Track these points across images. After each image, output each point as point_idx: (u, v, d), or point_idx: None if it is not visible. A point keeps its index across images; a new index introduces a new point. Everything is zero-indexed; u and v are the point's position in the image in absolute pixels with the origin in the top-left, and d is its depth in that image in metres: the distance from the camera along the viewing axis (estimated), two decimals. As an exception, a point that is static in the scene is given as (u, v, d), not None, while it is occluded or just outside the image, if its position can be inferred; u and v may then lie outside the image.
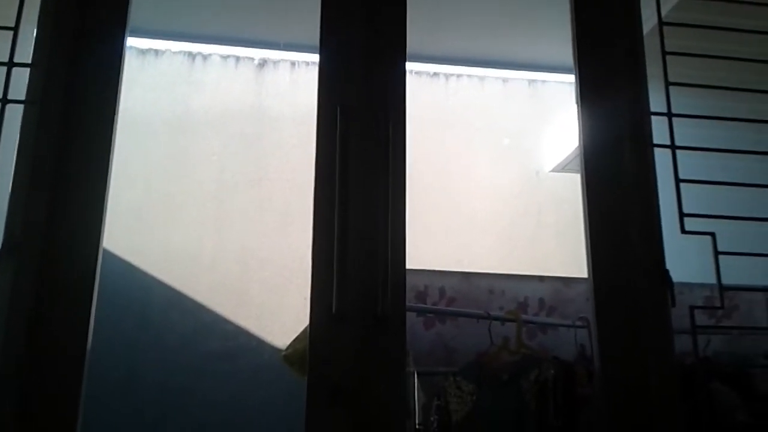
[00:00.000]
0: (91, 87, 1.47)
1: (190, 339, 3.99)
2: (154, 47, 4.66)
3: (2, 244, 1.34)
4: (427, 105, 4.66)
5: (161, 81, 4.50)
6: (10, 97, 1.44)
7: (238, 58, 4.81)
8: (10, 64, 1.44)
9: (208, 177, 4.44)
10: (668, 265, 1.61)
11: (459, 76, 4.88)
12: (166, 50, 4.73)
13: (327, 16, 1.65)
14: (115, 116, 1.46)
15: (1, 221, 1.39)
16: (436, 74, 4.82)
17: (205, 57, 4.77)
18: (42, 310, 1.34)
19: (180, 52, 4.75)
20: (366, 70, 1.61)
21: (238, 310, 4.12)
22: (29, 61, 1.47)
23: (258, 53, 4.80)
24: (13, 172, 1.38)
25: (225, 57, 4.80)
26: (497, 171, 4.67)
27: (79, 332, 1.34)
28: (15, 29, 1.45)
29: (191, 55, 4.76)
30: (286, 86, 4.77)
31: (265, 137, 4.62)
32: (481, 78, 4.93)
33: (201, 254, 4.22)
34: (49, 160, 1.40)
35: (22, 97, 1.45)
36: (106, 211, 1.41)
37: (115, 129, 1.46)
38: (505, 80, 4.94)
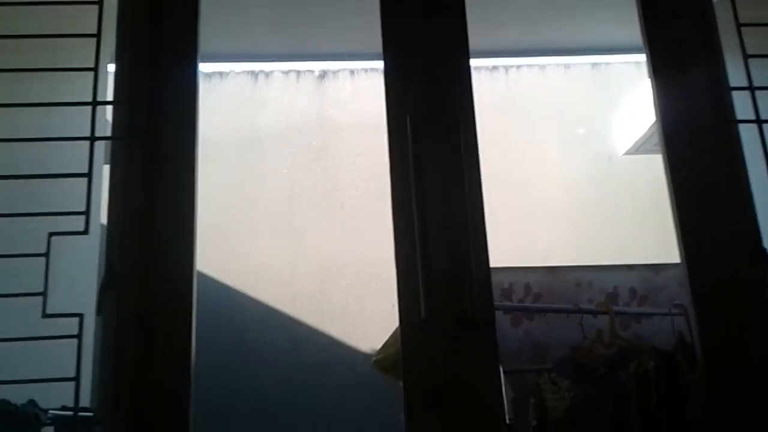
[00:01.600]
0: (171, 116, 1.53)
1: (284, 351, 4.09)
2: (219, 70, 4.82)
3: (104, 277, 1.41)
4: (490, 100, 4.62)
5: (227, 102, 4.64)
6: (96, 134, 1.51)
7: (299, 72, 4.91)
8: (94, 103, 1.52)
9: (280, 191, 4.54)
10: (765, 244, 1.55)
11: (519, 67, 4.82)
12: (230, 72, 4.88)
13: (387, 25, 1.67)
14: (196, 141, 1.52)
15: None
16: (495, 68, 4.77)
17: (267, 74, 4.89)
18: (145, 333, 1.40)
19: (243, 72, 4.89)
20: (430, 74, 1.62)
21: (321, 319, 4.20)
22: (109, 99, 1.54)
23: (318, 65, 4.89)
24: (107, 207, 1.45)
25: (286, 72, 4.91)
26: (568, 159, 4.58)
27: (182, 351, 1.40)
28: (95, 69, 1.52)
29: (254, 74, 4.89)
30: (347, 95, 4.84)
31: (331, 147, 4.69)
32: (542, 67, 4.85)
33: (279, 267, 4.32)
34: (139, 192, 1.47)
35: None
36: (197, 234, 1.47)
37: (197, 153, 1.51)
38: (567, 66, 4.84)
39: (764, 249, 1.53)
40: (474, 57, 1.64)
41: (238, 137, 4.57)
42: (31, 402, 1.44)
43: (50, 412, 1.42)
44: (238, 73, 4.87)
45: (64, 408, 1.42)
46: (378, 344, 2.44)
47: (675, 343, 1.76)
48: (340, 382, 4.01)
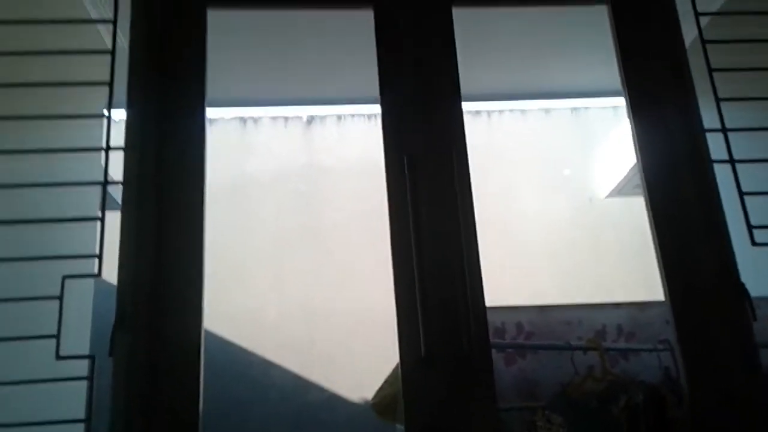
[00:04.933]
0: (181, 160, 1.59)
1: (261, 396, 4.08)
2: (209, 116, 4.90)
3: (116, 319, 1.45)
4: (473, 143, 4.72)
5: (216, 148, 4.71)
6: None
7: (287, 118, 5.01)
8: (107, 149, 1.58)
9: (267, 237, 4.58)
10: (743, 279, 1.62)
11: (501, 111, 4.96)
12: (219, 118, 4.97)
13: (383, 71, 1.75)
14: (204, 186, 1.58)
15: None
16: (478, 112, 4.91)
17: (255, 120, 4.99)
18: (155, 376, 1.44)
19: (232, 118, 4.99)
20: (426, 115, 1.70)
21: (305, 365, 4.20)
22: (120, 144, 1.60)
23: (305, 111, 4.99)
24: (119, 250, 1.50)
25: (274, 118, 5.01)
26: (550, 202, 4.69)
27: (191, 394, 1.43)
28: (108, 116, 1.59)
29: (243, 120, 4.98)
30: (334, 140, 4.93)
31: (319, 192, 4.76)
32: (523, 111, 4.99)
33: (265, 312, 4.33)
34: (149, 234, 1.52)
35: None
36: (204, 279, 1.52)
37: (205, 198, 1.57)
38: (547, 111, 4.99)
39: (742, 284, 1.61)
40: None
41: (226, 183, 4.63)
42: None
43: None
44: (227, 120, 4.96)
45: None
46: (366, 391, 2.48)
47: (661, 378, 1.82)
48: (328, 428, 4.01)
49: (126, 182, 1.56)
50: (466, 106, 1.74)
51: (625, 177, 4.20)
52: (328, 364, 4.19)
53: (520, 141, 4.90)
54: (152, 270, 1.50)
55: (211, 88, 1.72)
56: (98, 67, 1.69)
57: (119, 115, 1.66)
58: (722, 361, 1.54)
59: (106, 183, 1.55)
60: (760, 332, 1.58)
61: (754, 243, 1.65)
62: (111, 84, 1.63)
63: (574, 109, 5.02)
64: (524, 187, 4.75)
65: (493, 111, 4.98)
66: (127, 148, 1.59)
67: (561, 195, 4.73)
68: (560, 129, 4.97)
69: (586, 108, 5.01)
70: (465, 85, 1.75)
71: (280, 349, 4.23)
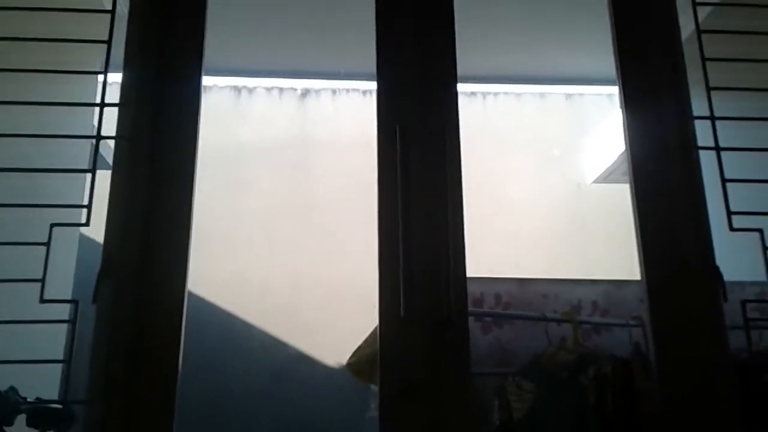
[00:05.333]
0: (175, 122, 1.62)
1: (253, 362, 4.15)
2: (204, 83, 4.88)
3: (101, 266, 1.48)
4: (467, 124, 4.75)
5: (209, 115, 4.70)
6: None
7: (281, 90, 5.00)
8: (102, 105, 1.60)
9: (258, 205, 4.61)
10: (719, 263, 1.67)
11: (496, 94, 4.98)
12: (213, 86, 4.95)
13: (382, 43, 1.78)
14: (197, 148, 1.61)
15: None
16: (473, 93, 4.93)
17: (250, 90, 4.98)
18: (137, 324, 1.48)
19: (226, 86, 4.97)
20: (421, 91, 1.73)
21: (287, 330, 4.27)
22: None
23: (300, 83, 4.99)
24: (108, 201, 1.53)
25: (269, 89, 5.00)
26: (540, 185, 4.74)
27: (172, 345, 1.47)
28: (105, 73, 1.61)
29: (237, 90, 4.97)
30: (328, 114, 4.94)
31: (311, 164, 4.78)
32: (518, 95, 5.01)
33: (252, 279, 4.37)
34: (140, 190, 1.55)
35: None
36: (191, 238, 1.55)
37: (197, 161, 1.60)
38: (542, 95, 5.01)
39: (717, 267, 1.66)
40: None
41: (219, 150, 4.63)
42: (13, 389, 1.50)
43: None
44: (221, 88, 4.95)
45: (38, 399, 1.49)
46: (344, 357, 2.54)
47: (631, 352, 1.88)
48: (308, 392, 4.09)
49: (119, 139, 1.58)
50: (462, 87, 1.76)
51: (613, 163, 4.25)
52: (310, 331, 4.26)
53: (514, 124, 4.93)
54: (140, 224, 1.53)
55: (208, 55, 1.74)
56: (97, 28, 1.70)
57: (115, 78, 1.68)
58: (691, 338, 1.60)
59: (99, 137, 1.57)
60: (733, 315, 1.64)
61: (732, 228, 1.70)
62: (109, 43, 1.64)
63: (569, 95, 5.04)
64: (515, 168, 4.79)
65: (489, 93, 5.00)
66: (122, 105, 1.61)
67: (551, 178, 4.78)
68: (554, 114, 5.00)
69: (581, 94, 5.03)
70: (462, 66, 1.78)
71: (263, 314, 4.29)
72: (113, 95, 1.64)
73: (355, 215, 4.27)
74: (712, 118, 1.80)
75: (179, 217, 1.56)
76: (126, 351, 1.46)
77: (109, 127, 1.62)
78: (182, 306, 1.51)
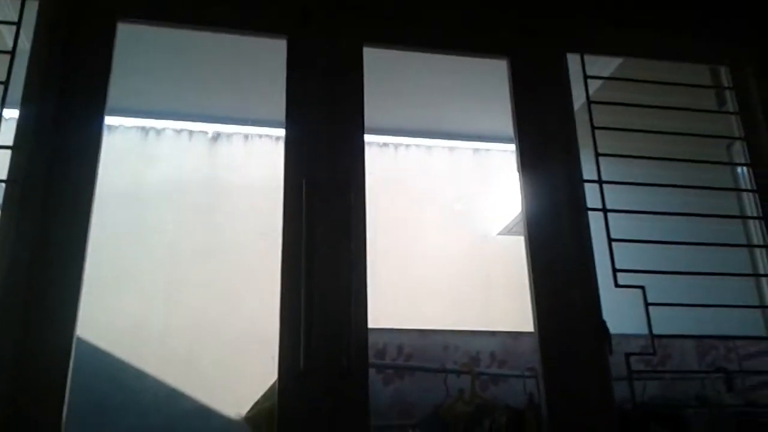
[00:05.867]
0: (72, 163, 1.57)
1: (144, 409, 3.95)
2: (108, 123, 4.74)
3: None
4: (377, 173, 4.82)
5: (114, 155, 4.56)
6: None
7: (191, 132, 4.92)
8: (-6, 146, 1.54)
9: (161, 248, 4.46)
10: (605, 317, 1.77)
11: (407, 146, 5.10)
12: (119, 125, 4.82)
13: (291, 97, 1.81)
14: (94, 193, 1.56)
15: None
16: (385, 144, 5.03)
17: (158, 131, 4.87)
18: (21, 376, 1.40)
19: (133, 127, 4.85)
20: (328, 145, 1.77)
21: (184, 379, 4.10)
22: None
23: (211, 127, 4.93)
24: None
25: (178, 131, 4.90)
26: (446, 235, 4.85)
27: (57, 392, 1.41)
28: (-1, 115, 1.56)
29: (144, 130, 4.85)
30: (240, 158, 4.88)
31: (219, 208, 4.69)
32: (429, 147, 5.15)
33: (150, 325, 4.20)
34: (29, 234, 1.49)
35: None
36: (82, 284, 1.50)
37: (93, 205, 1.56)
38: (451, 149, 5.17)
39: (604, 321, 1.75)
40: (366, 133, 1.81)
41: (122, 191, 4.48)
42: None
43: None
44: (128, 128, 4.82)
45: None
46: (243, 407, 2.48)
47: (526, 403, 1.94)
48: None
49: (10, 181, 1.52)
50: (374, 138, 1.81)
51: (516, 217, 4.42)
52: (208, 381, 4.12)
53: (424, 175, 5.05)
54: (29, 268, 1.47)
55: (114, 94, 1.71)
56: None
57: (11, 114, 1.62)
58: (580, 389, 1.68)
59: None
60: (619, 366, 1.73)
61: (617, 285, 1.81)
62: (6, 83, 1.59)
63: (476, 149, 5.22)
64: (424, 219, 4.89)
65: (400, 144, 5.11)
66: (16, 147, 1.56)
67: (458, 229, 4.90)
68: (462, 167, 5.16)
69: (488, 150, 5.22)
70: (375, 119, 1.82)
71: (159, 362, 4.11)
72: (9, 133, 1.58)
73: (260, 261, 4.21)
74: (600, 182, 1.93)
75: (70, 260, 1.51)
76: (6, 401, 1.37)
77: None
78: (69, 352, 1.45)
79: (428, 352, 2.31)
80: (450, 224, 4.90)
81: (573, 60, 2.06)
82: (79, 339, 1.47)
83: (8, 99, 1.61)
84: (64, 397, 1.42)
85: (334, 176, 1.73)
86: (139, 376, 4.06)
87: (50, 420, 1.40)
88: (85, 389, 3.80)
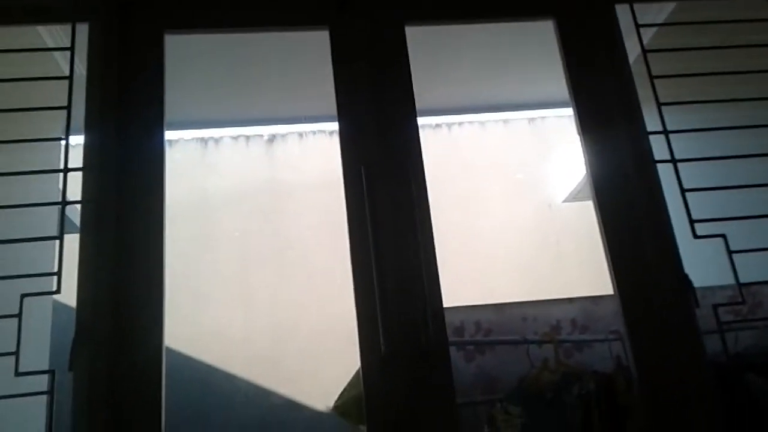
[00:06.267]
0: (140, 180, 1.63)
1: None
2: (168, 138, 4.88)
3: (75, 334, 1.47)
4: (434, 154, 4.80)
5: (177, 169, 4.70)
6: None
7: (248, 137, 5.03)
8: (65, 170, 1.60)
9: (232, 254, 4.58)
10: (687, 271, 1.71)
11: (461, 124, 5.06)
12: (179, 139, 4.96)
13: (340, 89, 1.82)
14: (164, 206, 1.61)
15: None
16: (438, 125, 5.00)
17: (216, 140, 5.00)
18: (118, 388, 1.46)
19: (192, 139, 4.98)
20: (381, 130, 1.77)
21: (271, 378, 4.21)
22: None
23: (267, 130, 5.01)
24: (78, 267, 1.52)
25: (235, 138, 5.02)
26: (511, 207, 4.79)
27: (153, 406, 1.46)
28: (66, 139, 1.62)
29: (203, 141, 4.99)
30: (296, 157, 4.96)
31: (282, 208, 4.78)
32: (482, 123, 5.09)
33: (232, 330, 4.33)
34: (110, 252, 1.55)
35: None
36: (165, 295, 1.55)
37: (165, 217, 1.60)
38: (505, 121, 5.10)
39: (686, 275, 1.69)
40: (418, 116, 1.80)
41: (189, 203, 4.62)
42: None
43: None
44: (187, 141, 4.96)
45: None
46: (330, 400, 2.53)
47: (614, 366, 1.90)
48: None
49: (85, 202, 1.58)
50: (426, 120, 1.80)
51: (581, 181, 4.32)
52: (294, 378, 4.21)
53: (480, 151, 5.00)
54: (112, 287, 1.52)
55: (171, 110, 1.75)
56: (56, 94, 1.71)
57: (77, 140, 1.69)
58: (669, 347, 1.62)
59: (64, 203, 1.57)
60: (707, 319, 1.67)
61: (695, 236, 1.75)
62: (69, 108, 1.65)
63: (532, 119, 5.13)
64: (485, 194, 4.84)
65: (453, 123, 5.07)
66: (86, 169, 1.62)
67: (521, 201, 4.84)
68: (518, 138, 5.08)
69: (543, 118, 5.12)
70: (425, 100, 1.81)
71: (244, 364, 4.24)
72: (78, 158, 1.64)
73: (329, 255, 4.27)
74: (666, 132, 1.86)
75: (151, 275, 1.56)
76: (106, 417, 1.44)
77: (77, 188, 1.62)
78: (161, 364, 1.50)
79: (506, 326, 2.29)
80: (513, 196, 4.84)
81: (622, 11, 1.99)
82: (168, 349, 1.52)
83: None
84: (160, 405, 1.47)
85: (391, 162, 1.73)
86: (228, 377, 4.19)
87: (153, 427, 1.46)
88: (180, 395, 3.97)
